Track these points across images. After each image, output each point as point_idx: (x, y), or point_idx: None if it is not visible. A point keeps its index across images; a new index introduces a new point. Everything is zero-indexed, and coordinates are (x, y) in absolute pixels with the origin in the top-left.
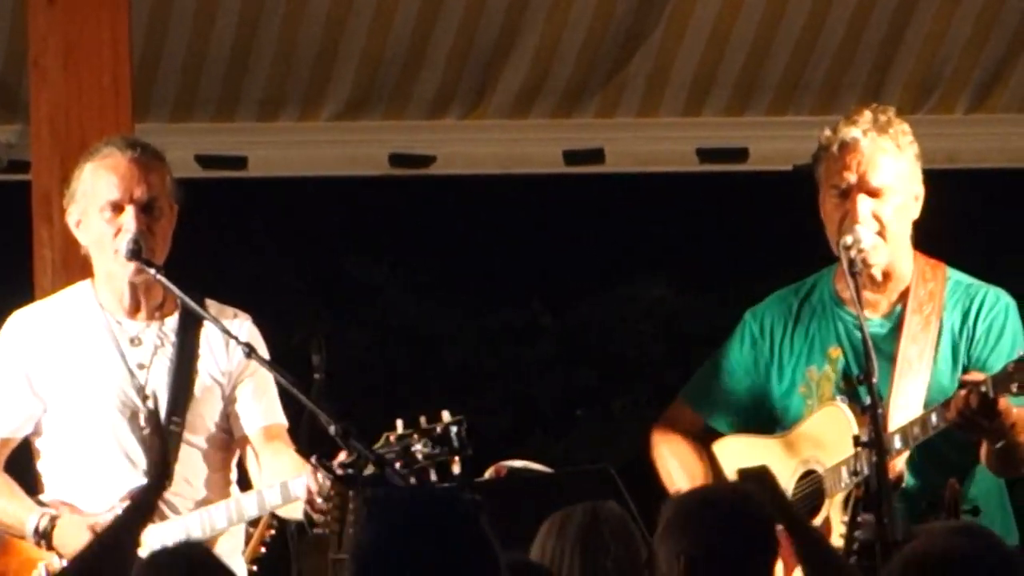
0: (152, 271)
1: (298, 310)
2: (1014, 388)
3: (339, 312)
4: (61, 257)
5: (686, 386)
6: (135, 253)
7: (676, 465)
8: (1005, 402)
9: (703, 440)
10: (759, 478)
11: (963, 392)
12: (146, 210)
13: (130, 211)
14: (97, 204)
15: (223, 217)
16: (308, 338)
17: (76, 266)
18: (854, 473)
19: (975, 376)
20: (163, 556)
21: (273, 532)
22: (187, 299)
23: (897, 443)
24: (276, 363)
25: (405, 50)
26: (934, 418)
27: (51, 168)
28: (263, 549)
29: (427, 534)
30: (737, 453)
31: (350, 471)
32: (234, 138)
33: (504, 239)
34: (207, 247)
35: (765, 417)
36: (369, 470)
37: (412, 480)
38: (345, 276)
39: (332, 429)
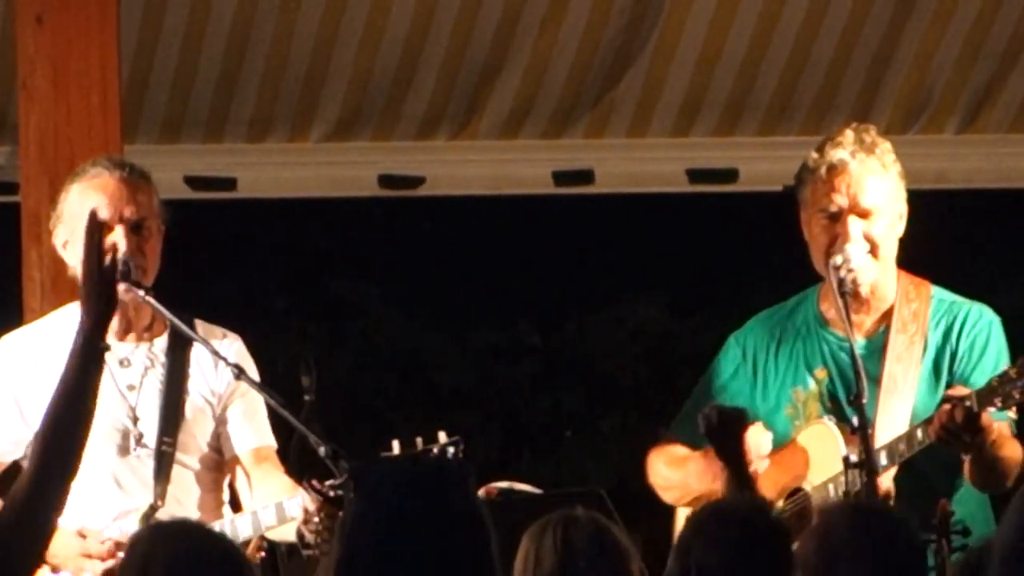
0: (141, 292)
1: (286, 331)
2: (997, 403)
3: (327, 333)
4: (50, 278)
5: (675, 419)
6: (124, 275)
7: (666, 468)
8: (987, 417)
9: None
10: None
11: (947, 407)
12: (135, 230)
13: (119, 231)
14: (79, 224)
15: (212, 238)
16: (296, 359)
17: (65, 288)
18: (842, 492)
19: (960, 391)
20: (160, 531)
21: (263, 554)
22: (177, 321)
23: (883, 460)
24: (265, 384)
25: (394, 71)
26: (919, 434)
27: (40, 189)
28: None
29: (416, 502)
30: None
31: (340, 493)
32: (223, 159)
33: (493, 260)
34: (196, 268)
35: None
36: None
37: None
38: (334, 297)
39: (322, 450)
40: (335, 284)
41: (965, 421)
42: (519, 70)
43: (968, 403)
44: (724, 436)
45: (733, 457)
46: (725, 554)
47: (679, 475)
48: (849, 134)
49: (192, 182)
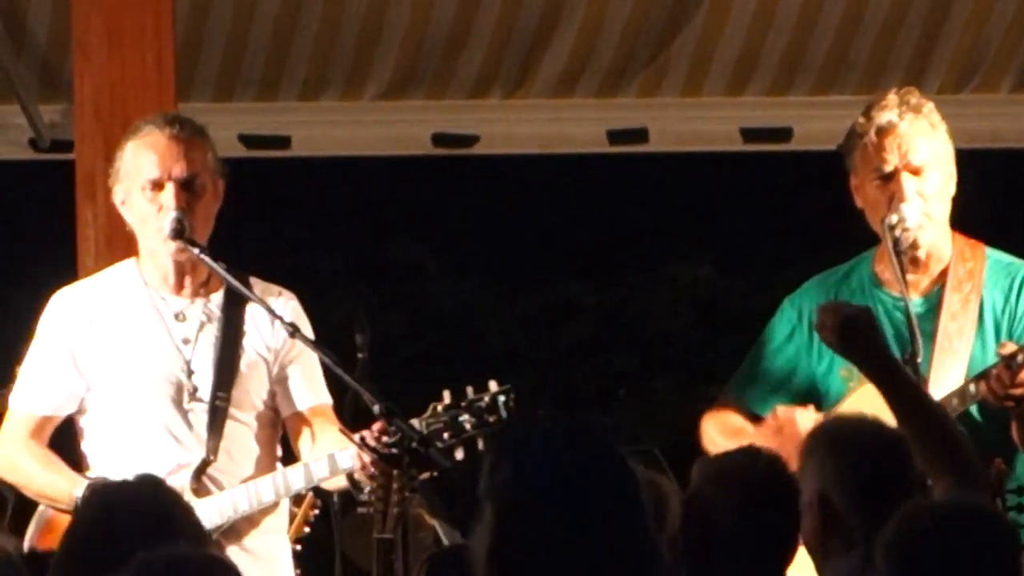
0: (195, 251)
1: (339, 290)
2: None
3: (380, 292)
4: (105, 236)
5: (729, 382)
6: (178, 232)
7: (719, 437)
8: None
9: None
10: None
11: (1000, 364)
12: (186, 187)
13: (170, 188)
14: (139, 183)
15: (266, 197)
16: (349, 318)
17: (120, 245)
18: None
19: (1011, 347)
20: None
21: (317, 511)
22: (230, 278)
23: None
24: (318, 342)
25: (448, 29)
26: (972, 389)
27: (94, 148)
28: (307, 528)
29: (571, 467)
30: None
31: (394, 450)
32: (277, 118)
33: (546, 219)
34: (249, 227)
35: (809, 402)
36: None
37: (459, 451)
38: (386, 256)
39: (376, 408)
40: (388, 243)
41: (1016, 377)
42: (573, 28)
43: (1021, 358)
44: (850, 339)
45: (868, 359)
46: (732, 507)
47: (733, 445)
48: (893, 97)
49: (246, 140)
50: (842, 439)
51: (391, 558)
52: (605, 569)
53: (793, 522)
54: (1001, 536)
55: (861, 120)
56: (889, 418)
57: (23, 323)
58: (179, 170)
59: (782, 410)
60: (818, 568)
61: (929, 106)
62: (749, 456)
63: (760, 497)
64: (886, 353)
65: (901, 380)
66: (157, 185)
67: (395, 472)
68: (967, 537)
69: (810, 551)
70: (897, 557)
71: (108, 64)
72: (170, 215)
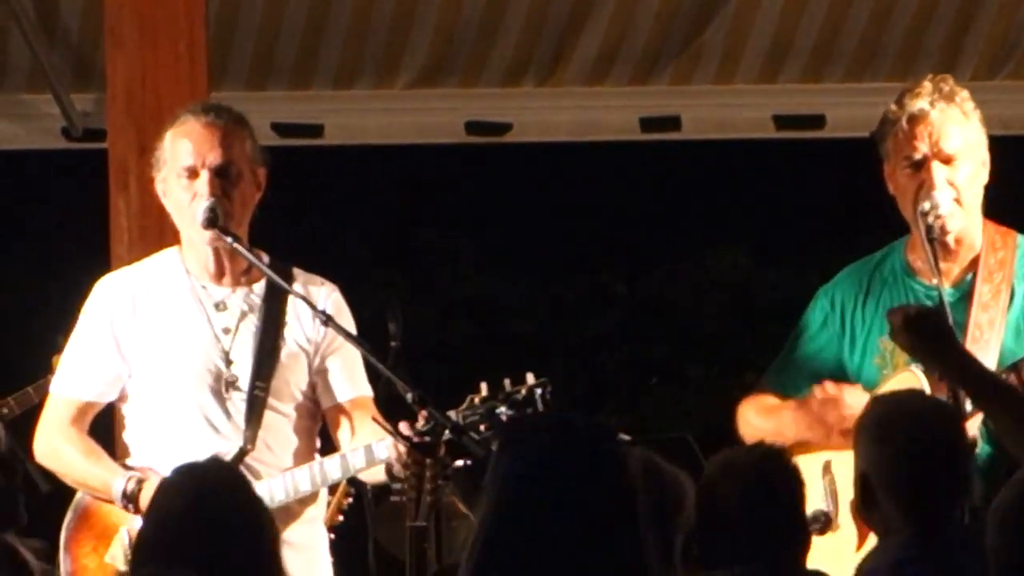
0: (229, 239)
1: (372, 278)
2: None
3: (413, 281)
4: (137, 225)
5: (768, 371)
6: (211, 221)
7: (766, 419)
8: None
9: None
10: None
11: None
12: (221, 175)
13: (204, 176)
14: (175, 171)
15: (299, 185)
16: (382, 306)
17: (152, 234)
18: None
19: None
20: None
21: (351, 500)
22: (263, 267)
23: (968, 406)
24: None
25: (480, 17)
26: (1006, 379)
27: (127, 137)
28: (341, 517)
29: (570, 461)
30: None
31: (427, 439)
32: (310, 106)
33: (579, 207)
34: (283, 215)
35: None
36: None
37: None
38: (419, 244)
39: (409, 396)
40: (420, 231)
41: None
42: (606, 16)
43: None
44: (918, 339)
45: (938, 357)
46: (736, 498)
47: (772, 424)
48: (927, 85)
49: (279, 129)
50: (884, 429)
51: (424, 546)
52: (593, 566)
53: (797, 511)
54: None
55: (893, 107)
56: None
57: (57, 312)
58: (213, 158)
59: (830, 386)
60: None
61: (963, 94)
62: (752, 449)
63: (761, 488)
64: (957, 349)
65: (977, 372)
66: (192, 173)
67: (428, 461)
68: None
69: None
70: (1004, 524)
71: (140, 53)
72: (203, 203)
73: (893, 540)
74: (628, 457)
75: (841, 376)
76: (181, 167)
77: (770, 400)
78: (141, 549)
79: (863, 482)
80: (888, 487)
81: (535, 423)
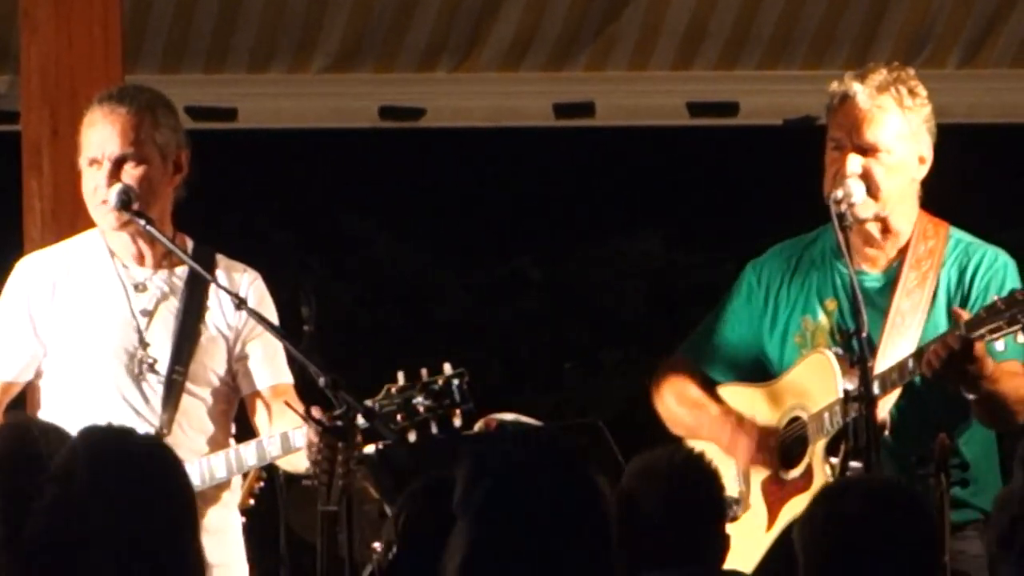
0: (141, 222)
1: (287, 263)
2: (985, 333)
3: (328, 265)
4: (51, 208)
5: (686, 340)
6: (124, 203)
7: (686, 411)
8: (981, 347)
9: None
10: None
11: (938, 339)
12: (122, 163)
13: (105, 167)
14: (84, 161)
15: (213, 169)
16: (297, 290)
17: (66, 217)
18: (838, 422)
19: (966, 315)
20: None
21: (262, 484)
22: (176, 249)
23: (876, 389)
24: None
25: (396, 2)
26: (910, 364)
27: (41, 119)
28: (252, 501)
29: (542, 480)
30: (728, 402)
31: (338, 423)
32: (224, 90)
33: (494, 193)
34: (196, 199)
35: (761, 367)
36: (359, 421)
37: (411, 433)
38: (334, 229)
39: (321, 381)
40: (335, 216)
41: (955, 352)
42: (521, 2)
43: (959, 333)
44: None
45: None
46: (657, 504)
47: (691, 419)
48: (880, 72)
49: (193, 112)
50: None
51: (335, 530)
52: None
53: (716, 514)
54: None
55: (834, 85)
56: (828, 389)
57: None
58: (112, 148)
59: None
60: None
61: (907, 86)
62: (670, 452)
63: (682, 491)
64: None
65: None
66: (94, 163)
67: (340, 445)
68: None
69: None
70: None
71: (55, 36)
72: (116, 187)
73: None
74: (594, 469)
75: (759, 351)
76: (86, 157)
77: (692, 390)
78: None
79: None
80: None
81: (517, 447)
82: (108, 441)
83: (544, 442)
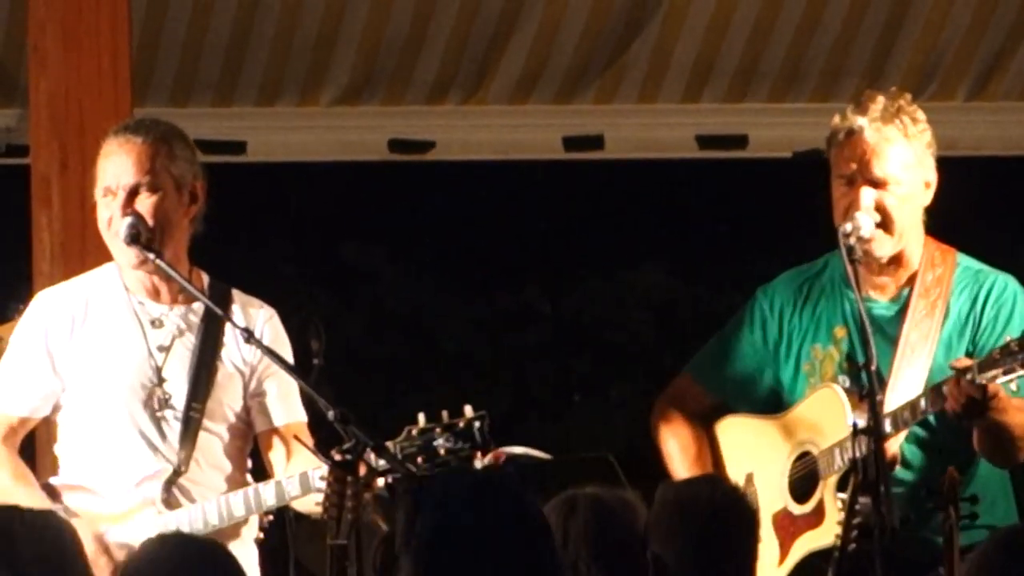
0: (151, 256)
1: (296, 295)
2: (999, 373)
3: (337, 297)
4: (60, 242)
5: (693, 360)
6: (133, 237)
7: (676, 448)
8: (995, 386)
9: (707, 419)
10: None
11: (952, 379)
12: (136, 194)
13: (121, 195)
14: (99, 192)
15: (221, 202)
16: (306, 324)
17: (75, 251)
18: (848, 458)
19: (963, 362)
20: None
21: (271, 517)
22: (187, 284)
23: (888, 427)
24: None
25: (405, 35)
26: (923, 403)
27: (50, 152)
28: (261, 534)
29: (485, 516)
30: (736, 435)
31: (348, 457)
32: (233, 123)
33: (502, 225)
34: (205, 232)
35: (770, 395)
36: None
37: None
38: (343, 262)
39: (330, 414)
40: (345, 249)
41: (969, 392)
42: (530, 35)
43: (969, 375)
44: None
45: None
46: (690, 539)
47: (684, 465)
48: (879, 101)
49: (202, 145)
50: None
51: (344, 564)
52: None
53: (751, 548)
54: None
55: (836, 119)
56: (838, 424)
57: None
58: (127, 178)
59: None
60: None
61: (909, 114)
62: (710, 485)
63: (719, 525)
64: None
65: None
66: (109, 193)
67: (349, 479)
68: None
69: None
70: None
71: (64, 69)
72: (126, 220)
73: None
74: (539, 507)
75: (768, 379)
76: (101, 187)
77: (685, 434)
78: None
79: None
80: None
81: (455, 481)
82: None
83: (482, 478)
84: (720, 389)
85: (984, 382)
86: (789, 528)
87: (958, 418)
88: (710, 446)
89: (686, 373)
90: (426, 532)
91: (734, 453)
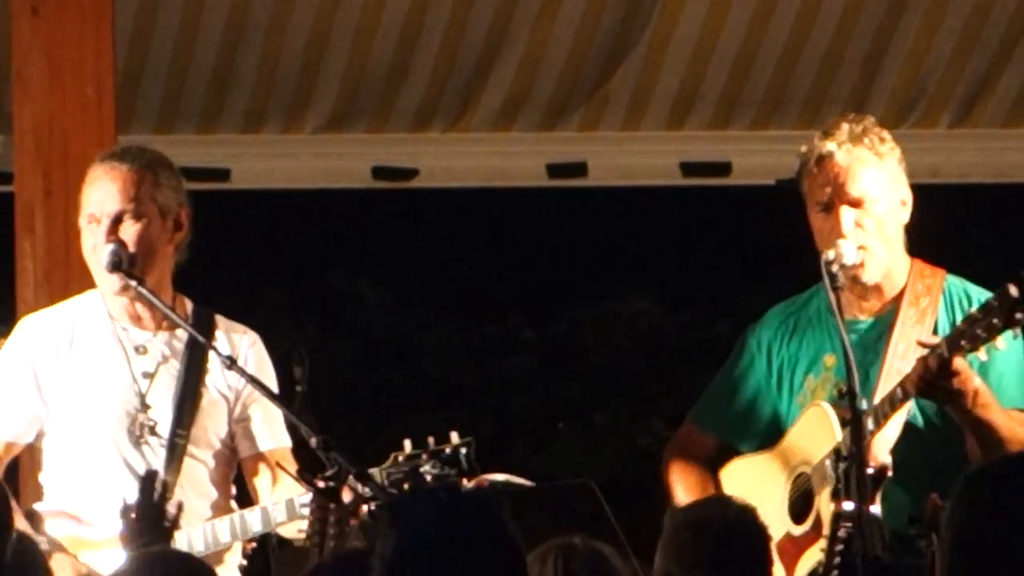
0: (133, 282)
1: (280, 322)
2: (966, 344)
3: (321, 325)
4: (43, 269)
5: (694, 407)
6: (115, 264)
7: (683, 494)
8: (961, 362)
9: (714, 463)
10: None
11: (920, 356)
12: (120, 221)
13: (105, 223)
14: (83, 218)
15: (206, 229)
16: (290, 350)
17: (59, 278)
18: (837, 463)
19: (930, 339)
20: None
21: (254, 543)
22: (167, 311)
23: (870, 425)
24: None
25: (389, 63)
26: (899, 392)
27: (34, 180)
28: (245, 560)
29: (456, 536)
30: (739, 475)
31: (331, 484)
32: (217, 150)
33: (487, 253)
34: (190, 259)
35: (770, 430)
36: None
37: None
38: (327, 289)
39: (313, 441)
40: (329, 276)
41: (938, 368)
42: (513, 62)
43: (939, 350)
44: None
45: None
46: (703, 560)
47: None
48: (844, 126)
49: (186, 172)
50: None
51: None
52: None
53: (766, 567)
54: None
55: (804, 149)
56: (831, 438)
57: None
58: (111, 205)
59: None
60: None
61: (876, 134)
62: (720, 505)
63: (732, 544)
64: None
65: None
66: (94, 220)
67: (332, 505)
68: None
69: None
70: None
71: (48, 96)
72: (108, 247)
73: None
74: (514, 528)
75: (767, 415)
76: (86, 214)
77: (692, 480)
78: None
79: None
80: None
81: (420, 499)
82: None
83: (445, 497)
84: (723, 431)
85: (952, 355)
86: (792, 552)
87: (932, 398)
88: (715, 488)
89: (688, 420)
90: (388, 552)
91: (737, 493)
